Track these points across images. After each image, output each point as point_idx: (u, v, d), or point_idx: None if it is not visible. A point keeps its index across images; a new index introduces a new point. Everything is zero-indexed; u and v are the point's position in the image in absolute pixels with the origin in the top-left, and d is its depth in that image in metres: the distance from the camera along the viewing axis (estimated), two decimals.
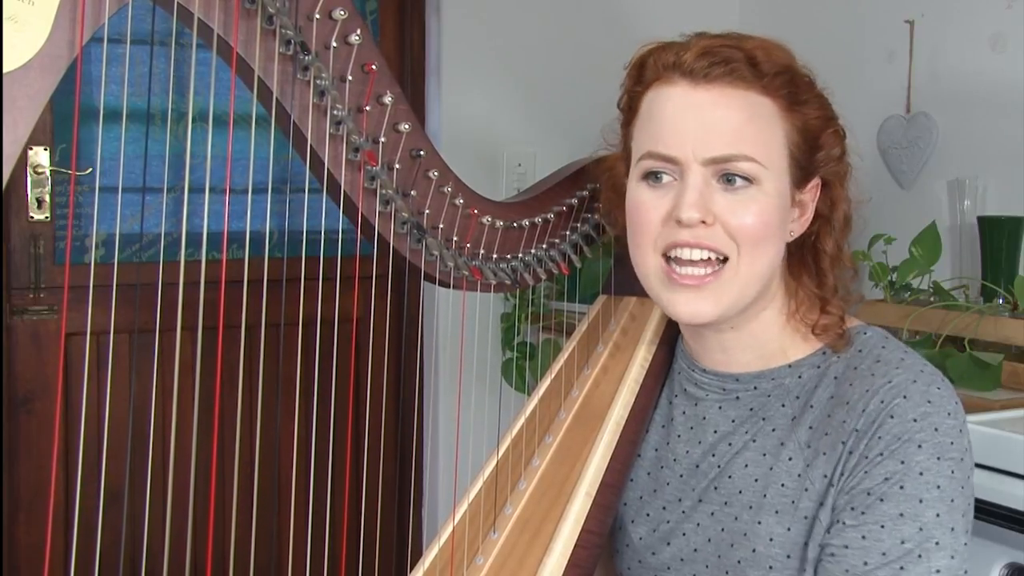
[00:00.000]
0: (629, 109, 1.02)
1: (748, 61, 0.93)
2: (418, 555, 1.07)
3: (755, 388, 1.03)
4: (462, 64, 2.40)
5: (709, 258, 0.95)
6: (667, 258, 0.96)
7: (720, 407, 1.05)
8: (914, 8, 2.12)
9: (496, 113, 2.41)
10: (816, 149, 0.98)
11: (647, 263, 0.98)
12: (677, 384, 1.10)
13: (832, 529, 0.94)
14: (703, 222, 0.93)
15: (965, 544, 0.91)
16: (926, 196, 2.07)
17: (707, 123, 0.93)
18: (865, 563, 0.91)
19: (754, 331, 1.02)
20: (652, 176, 0.97)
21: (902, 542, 0.90)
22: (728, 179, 0.94)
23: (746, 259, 0.95)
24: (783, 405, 1.01)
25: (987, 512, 1.31)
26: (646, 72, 0.98)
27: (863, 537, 0.91)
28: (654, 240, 0.97)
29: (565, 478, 1.06)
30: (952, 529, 0.90)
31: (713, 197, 0.94)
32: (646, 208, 0.97)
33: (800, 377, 1.01)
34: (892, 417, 0.92)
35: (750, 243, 0.94)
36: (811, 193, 1.00)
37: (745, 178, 0.94)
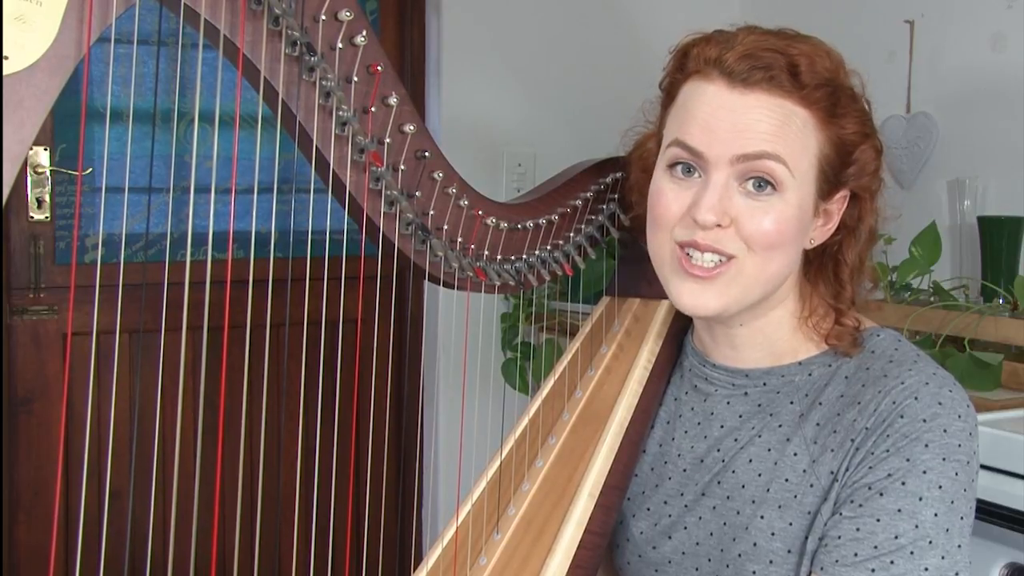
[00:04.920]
0: (668, 94, 1.02)
1: (789, 70, 0.92)
2: (419, 556, 1.08)
3: (764, 384, 1.03)
4: (462, 64, 2.40)
5: (720, 260, 0.95)
6: (682, 246, 0.97)
7: (728, 402, 1.05)
8: (914, 8, 2.12)
9: (496, 113, 2.41)
10: (848, 164, 0.97)
11: (662, 248, 0.99)
12: (687, 381, 1.11)
13: (830, 521, 0.94)
14: (718, 225, 0.94)
15: (959, 546, 0.91)
16: (926, 196, 2.07)
17: (741, 124, 0.92)
18: (855, 554, 0.91)
19: (764, 329, 1.02)
20: (682, 168, 0.97)
21: (896, 537, 0.90)
22: (757, 185, 0.93)
23: (755, 260, 0.95)
24: (791, 402, 1.01)
25: (987, 512, 1.31)
26: (688, 62, 0.97)
27: (857, 529, 0.91)
28: (671, 231, 0.97)
29: (568, 479, 1.06)
30: (947, 530, 0.90)
31: (733, 200, 0.94)
32: (667, 200, 0.97)
33: (810, 375, 1.02)
34: (902, 416, 0.92)
35: (762, 248, 0.94)
36: (838, 204, 0.99)
37: (771, 184, 0.93)
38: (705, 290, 0.96)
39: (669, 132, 0.99)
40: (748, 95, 0.93)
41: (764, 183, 0.94)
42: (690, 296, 0.97)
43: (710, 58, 0.95)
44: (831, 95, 0.94)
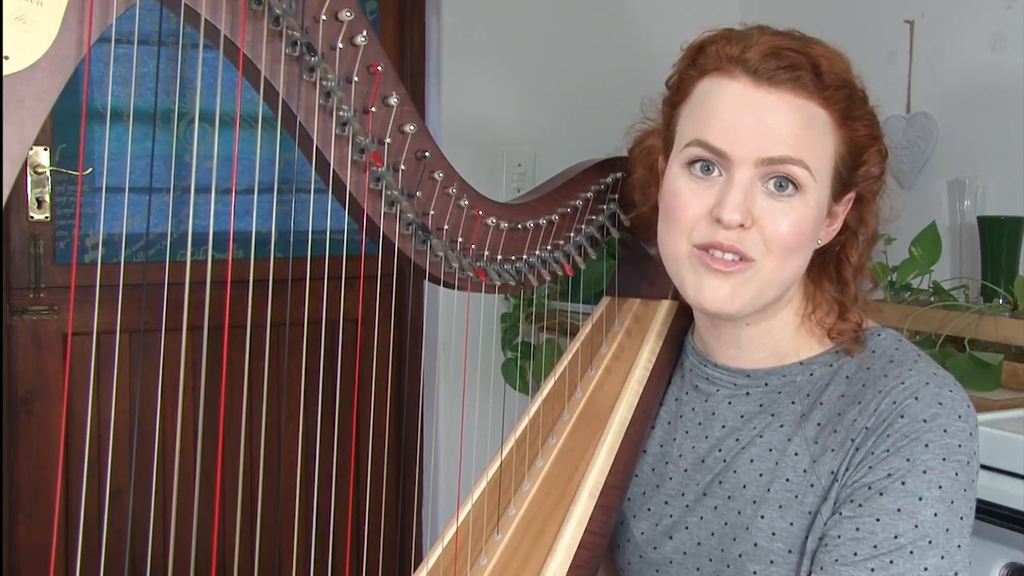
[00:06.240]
0: (678, 91, 1.00)
1: (813, 70, 0.92)
2: (419, 556, 1.08)
3: (766, 384, 1.03)
4: (462, 64, 2.40)
5: (738, 259, 0.95)
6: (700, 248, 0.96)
7: (730, 402, 1.05)
8: (914, 8, 2.12)
9: (496, 113, 2.41)
10: (859, 165, 0.98)
11: (678, 248, 0.97)
12: (688, 381, 1.10)
13: (830, 520, 0.94)
14: (741, 225, 0.93)
15: (959, 546, 0.91)
16: (926, 196, 2.07)
17: (765, 125, 0.92)
18: (855, 554, 0.91)
19: (770, 328, 1.02)
20: (700, 166, 0.95)
21: (895, 536, 0.90)
22: (780, 185, 0.93)
23: (773, 263, 0.95)
24: (793, 402, 1.01)
25: (987, 512, 1.31)
26: (705, 59, 0.96)
27: (857, 529, 0.92)
28: (689, 232, 0.96)
29: (568, 479, 1.06)
30: (947, 530, 0.90)
31: (756, 200, 0.93)
32: (685, 199, 0.96)
33: (812, 375, 1.02)
34: (902, 416, 0.93)
35: (782, 250, 0.94)
36: (844, 205, 1.00)
37: (794, 184, 0.93)
38: (724, 285, 0.95)
39: (686, 130, 0.97)
40: (773, 94, 0.92)
41: (786, 183, 0.93)
42: (710, 291, 0.95)
43: (732, 56, 0.94)
44: (848, 96, 0.95)
